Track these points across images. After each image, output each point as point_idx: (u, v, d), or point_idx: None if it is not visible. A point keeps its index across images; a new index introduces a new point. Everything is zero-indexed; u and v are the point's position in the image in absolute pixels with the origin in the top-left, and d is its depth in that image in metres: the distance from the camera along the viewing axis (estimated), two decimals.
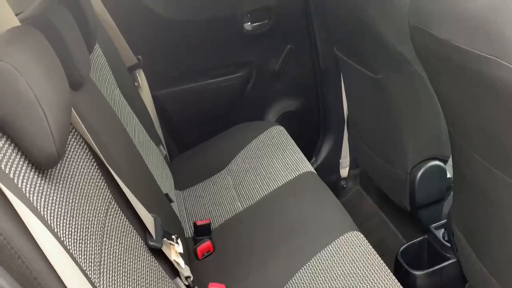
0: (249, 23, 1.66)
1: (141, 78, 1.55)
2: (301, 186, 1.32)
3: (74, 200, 0.72)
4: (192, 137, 1.75)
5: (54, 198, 0.66)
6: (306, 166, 1.38)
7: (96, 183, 0.83)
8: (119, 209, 0.87)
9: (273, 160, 1.46)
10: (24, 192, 0.59)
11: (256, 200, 1.34)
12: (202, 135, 1.73)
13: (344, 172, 1.93)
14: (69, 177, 0.73)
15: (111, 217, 0.83)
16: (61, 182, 0.70)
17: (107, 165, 0.85)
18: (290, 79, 1.79)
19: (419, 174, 1.35)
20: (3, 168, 0.57)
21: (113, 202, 0.86)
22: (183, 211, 1.44)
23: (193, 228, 1.31)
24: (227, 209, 1.37)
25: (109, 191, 0.86)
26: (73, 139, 0.81)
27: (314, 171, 1.38)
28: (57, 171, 0.70)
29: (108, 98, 1.25)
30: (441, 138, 1.32)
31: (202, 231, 1.28)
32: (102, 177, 0.86)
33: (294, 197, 1.28)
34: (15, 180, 0.59)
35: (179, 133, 1.76)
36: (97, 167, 0.85)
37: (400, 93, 1.27)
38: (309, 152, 1.89)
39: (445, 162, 1.37)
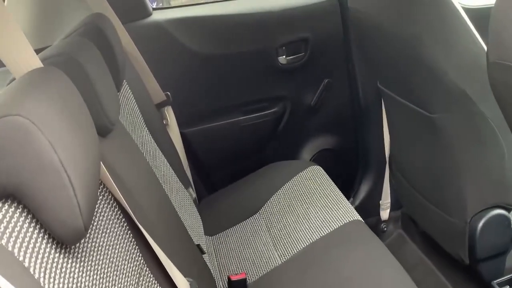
0: (284, 56, 1.56)
1: (170, 115, 1.45)
2: (349, 238, 1.18)
3: (103, 274, 0.60)
4: (222, 177, 1.64)
5: (80, 278, 0.54)
6: (353, 214, 1.24)
7: (127, 247, 0.71)
8: (151, 276, 0.75)
9: (313, 205, 1.33)
10: (42, 285, 0.47)
11: (296, 251, 1.20)
12: (232, 175, 1.61)
13: (384, 214, 1.78)
14: (97, 247, 0.61)
15: (143, 286, 0.71)
16: (88, 256, 0.58)
17: (138, 224, 0.74)
18: (327, 114, 1.68)
19: (480, 224, 1.20)
20: (16, 254, 0.45)
21: (145, 268, 0.74)
22: (214, 261, 1.31)
23: (226, 283, 1.17)
24: (263, 261, 1.23)
25: (140, 254, 0.74)
26: (100, 197, 0.70)
27: (361, 219, 1.24)
28: (82, 243, 0.59)
29: (136, 140, 1.15)
30: (505, 184, 1.18)
31: (237, 287, 1.15)
32: (133, 239, 0.74)
33: (343, 250, 1.13)
34: (31, 270, 0.46)
35: (208, 173, 1.65)
36: (127, 227, 0.74)
37: (460, 134, 1.14)
38: (347, 193, 1.75)
39: (509, 210, 1.22)
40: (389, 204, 1.78)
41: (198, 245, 1.17)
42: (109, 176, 0.71)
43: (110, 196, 0.72)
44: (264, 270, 1.20)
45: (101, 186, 0.71)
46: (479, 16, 1.09)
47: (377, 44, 1.30)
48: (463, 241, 1.25)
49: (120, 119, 1.07)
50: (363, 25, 1.34)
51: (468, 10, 1.05)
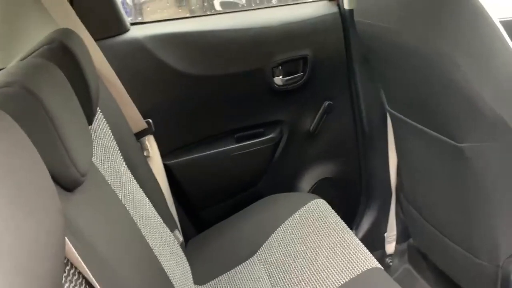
0: (280, 77, 1.39)
1: (152, 146, 1.26)
2: None
3: None
4: (212, 213, 1.44)
5: None
6: (371, 260, 1.07)
7: None
8: None
9: (321, 247, 1.15)
10: None
11: None
12: (224, 211, 1.42)
13: (390, 247, 1.62)
14: None
15: None
16: None
17: None
18: (328, 140, 1.51)
19: None
20: None
21: None
22: None
23: None
24: None
25: None
26: (67, 283, 0.50)
27: (381, 267, 1.06)
28: None
29: (112, 180, 0.95)
30: None
31: None
32: None
33: None
34: None
35: (195, 209, 1.45)
36: None
37: (494, 167, 0.98)
38: (349, 224, 1.59)
39: None
40: (395, 237, 1.63)
41: None
42: (77, 251, 0.51)
43: (80, 281, 0.52)
44: None
45: (68, 268, 0.51)
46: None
47: (391, 63, 1.14)
48: (494, 286, 1.09)
49: (93, 158, 0.88)
50: (373, 42, 1.18)
51: (502, 23, 0.91)
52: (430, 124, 1.09)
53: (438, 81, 0.96)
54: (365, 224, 1.61)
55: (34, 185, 0.38)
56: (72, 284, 0.50)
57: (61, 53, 0.81)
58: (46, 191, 0.40)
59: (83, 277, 0.52)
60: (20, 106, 0.53)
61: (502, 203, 1.02)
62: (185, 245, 1.34)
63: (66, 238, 0.48)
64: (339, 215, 1.27)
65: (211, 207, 1.46)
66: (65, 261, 0.49)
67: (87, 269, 0.50)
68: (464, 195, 1.09)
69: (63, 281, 0.49)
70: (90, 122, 0.88)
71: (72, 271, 0.51)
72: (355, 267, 1.06)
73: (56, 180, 0.58)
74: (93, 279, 0.50)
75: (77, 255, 0.49)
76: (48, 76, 0.66)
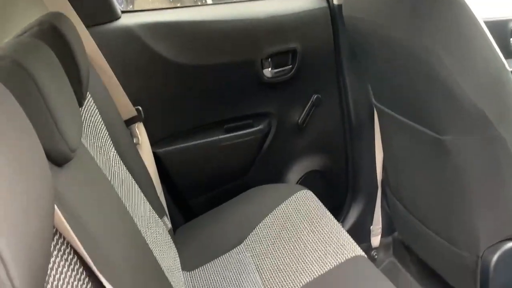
0: (269, 69, 1.40)
1: (141, 133, 1.27)
2: (352, 277, 1.02)
3: None
4: (200, 202, 1.45)
5: None
6: (355, 248, 1.09)
7: None
8: None
9: (307, 236, 1.17)
10: None
11: None
12: (212, 200, 1.43)
13: (375, 240, 1.65)
14: None
15: None
16: None
17: (106, 282, 0.55)
18: (316, 133, 1.53)
19: (494, 258, 1.08)
20: None
21: None
22: None
23: None
24: None
25: None
26: (55, 252, 0.51)
27: (365, 255, 1.09)
28: None
29: (102, 164, 0.96)
30: None
31: None
32: None
33: None
34: None
35: (184, 198, 1.46)
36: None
37: (475, 159, 1.01)
38: (336, 217, 1.61)
39: None
40: (380, 230, 1.65)
41: None
42: (67, 221, 0.52)
43: (68, 250, 0.53)
44: None
45: (56, 237, 0.52)
46: (496, 28, 0.98)
47: (378, 57, 1.16)
48: (474, 276, 1.12)
49: (82, 140, 0.89)
50: (360, 36, 1.20)
51: (487, 23, 0.94)
52: (414, 117, 1.11)
53: (422, 75, 0.98)
54: (351, 217, 1.64)
55: (25, 148, 0.39)
56: (61, 253, 0.52)
57: (52, 35, 0.82)
58: (36, 156, 0.41)
59: (71, 247, 0.53)
60: (11, 79, 0.54)
61: (482, 195, 1.05)
62: (174, 233, 1.36)
63: (55, 206, 0.49)
64: (326, 207, 1.30)
65: (199, 197, 1.47)
66: (53, 230, 0.50)
67: (76, 239, 0.51)
68: (446, 187, 1.11)
69: (51, 250, 0.50)
70: (80, 105, 0.89)
71: (60, 240, 0.52)
72: (339, 255, 1.08)
73: (46, 154, 0.59)
74: (82, 248, 0.52)
75: (66, 224, 0.50)
76: (38, 53, 0.67)
